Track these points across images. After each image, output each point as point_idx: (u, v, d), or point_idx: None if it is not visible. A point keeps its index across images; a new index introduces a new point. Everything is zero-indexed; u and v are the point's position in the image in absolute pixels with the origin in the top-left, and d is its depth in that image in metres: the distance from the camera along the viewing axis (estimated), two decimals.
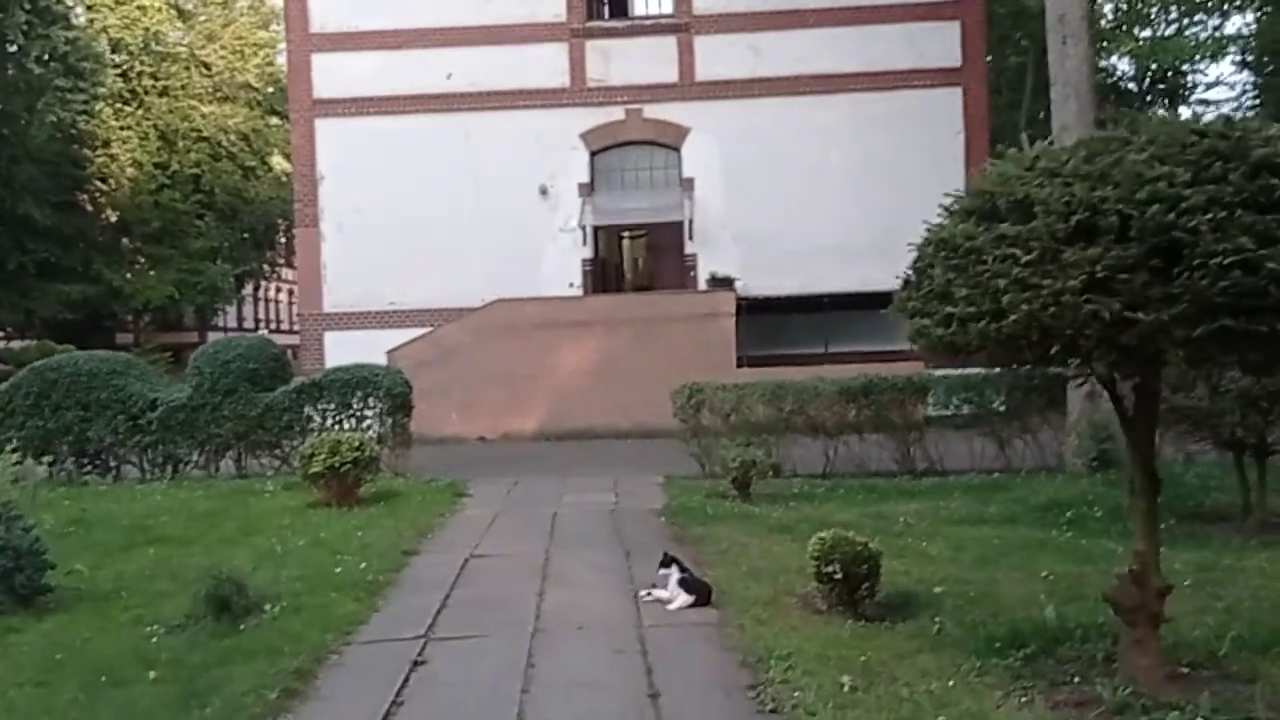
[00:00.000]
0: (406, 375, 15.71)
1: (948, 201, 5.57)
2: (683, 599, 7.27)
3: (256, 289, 60.42)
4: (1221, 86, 54.93)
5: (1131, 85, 37.21)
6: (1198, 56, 34.91)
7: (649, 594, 7.48)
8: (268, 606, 7.45)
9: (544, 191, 21.65)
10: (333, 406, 14.07)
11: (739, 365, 18.41)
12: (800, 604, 7.28)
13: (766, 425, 13.68)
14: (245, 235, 50.70)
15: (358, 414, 14.15)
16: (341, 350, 19.17)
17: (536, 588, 8.01)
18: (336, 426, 14.01)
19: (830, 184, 21.22)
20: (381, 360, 17.44)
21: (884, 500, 11.57)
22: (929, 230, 5.54)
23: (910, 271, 5.60)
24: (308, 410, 14.10)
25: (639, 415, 18.05)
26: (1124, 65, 37.44)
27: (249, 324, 59.69)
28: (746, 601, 7.30)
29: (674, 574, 7.39)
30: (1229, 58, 35.15)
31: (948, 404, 13.61)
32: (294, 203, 22.63)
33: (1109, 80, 36.00)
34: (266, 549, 9.44)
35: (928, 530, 9.80)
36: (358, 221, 21.45)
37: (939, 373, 14.24)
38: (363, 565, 8.60)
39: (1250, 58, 34.97)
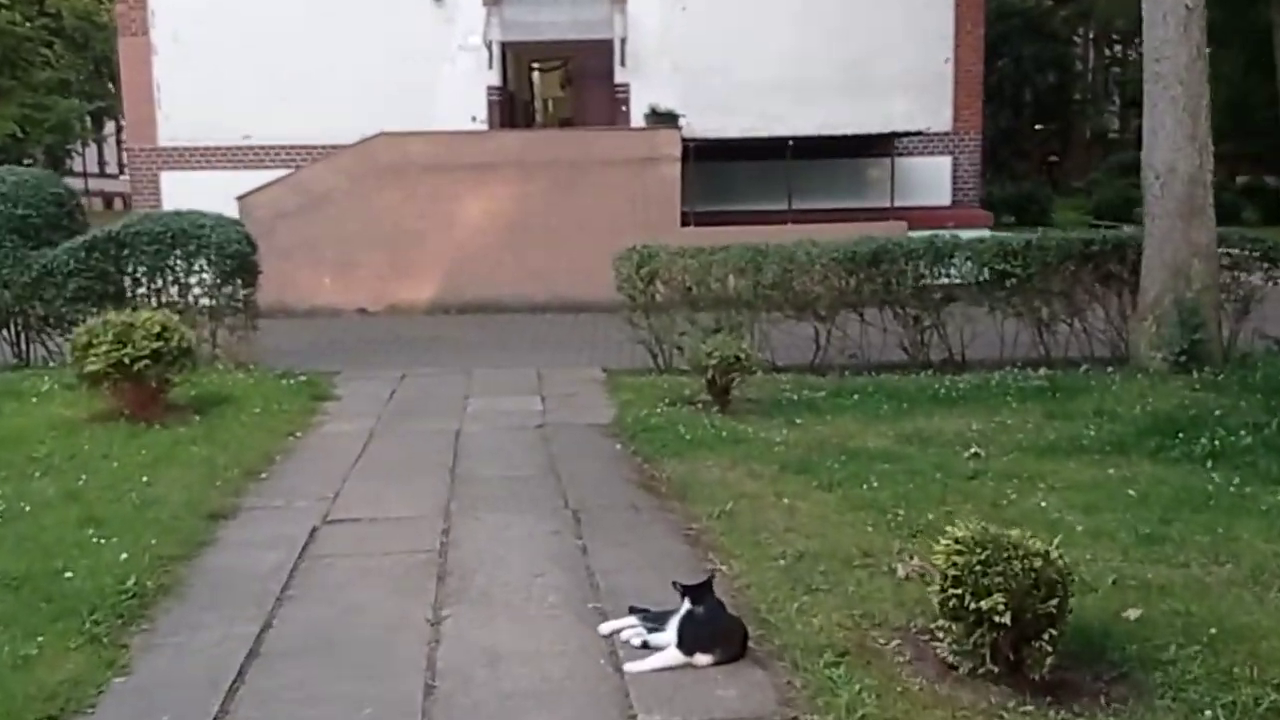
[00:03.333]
0: (260, 228, 11.86)
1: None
2: (666, 657, 3.91)
3: (119, 130, 54.19)
4: None
5: None
6: None
7: (639, 639, 4.08)
8: None
9: None
10: (144, 270, 10.15)
11: (684, 223, 14.85)
12: (911, 653, 4.01)
13: (739, 302, 10.27)
14: (100, 67, 44.77)
15: (181, 280, 10.28)
16: (183, 195, 14.92)
17: (428, 604, 4.56)
18: (155, 299, 10.19)
19: (791, 1, 17.38)
20: (234, 210, 13.45)
21: (915, 411, 8.33)
22: None
23: None
24: (114, 275, 10.15)
25: (560, 285, 14.48)
26: None
27: (111, 168, 53.89)
28: (814, 653, 3.97)
29: (683, 608, 4.00)
30: None
31: (976, 276, 10.33)
32: (115, 2, 17.92)
33: None
34: None
35: (1012, 468, 6.59)
36: (199, 32, 16.83)
37: (967, 235, 10.96)
38: (124, 556, 4.99)
39: None
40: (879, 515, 5.63)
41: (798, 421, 7.91)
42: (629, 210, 14.48)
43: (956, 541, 3.83)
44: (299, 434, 7.79)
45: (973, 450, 7.01)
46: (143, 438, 7.29)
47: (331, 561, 5.12)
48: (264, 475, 6.66)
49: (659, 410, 8.24)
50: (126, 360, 7.54)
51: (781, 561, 4.90)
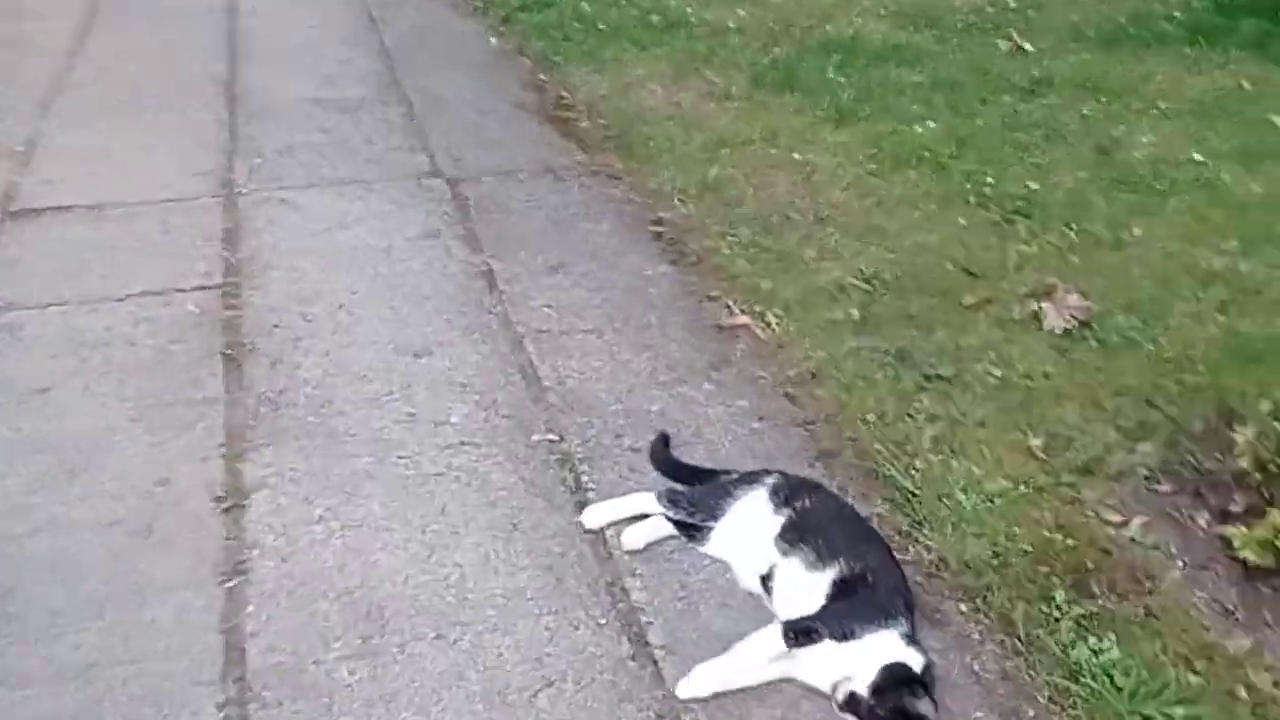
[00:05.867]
0: None
1: None
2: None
3: None
4: None
5: None
6: None
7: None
8: None
9: None
10: None
11: None
12: (1183, 551, 2.09)
13: None
14: None
15: None
16: None
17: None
18: None
19: None
20: None
21: None
22: None
23: None
24: None
25: None
26: None
27: None
28: (1020, 588, 1.99)
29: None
30: None
31: None
32: None
33: None
34: None
35: (1083, 74, 4.54)
36: None
37: None
38: None
39: None
40: (941, 177, 3.55)
41: None
42: None
43: None
44: None
45: (1013, 40, 4.84)
46: None
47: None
48: None
49: None
50: None
51: (852, 309, 2.78)
